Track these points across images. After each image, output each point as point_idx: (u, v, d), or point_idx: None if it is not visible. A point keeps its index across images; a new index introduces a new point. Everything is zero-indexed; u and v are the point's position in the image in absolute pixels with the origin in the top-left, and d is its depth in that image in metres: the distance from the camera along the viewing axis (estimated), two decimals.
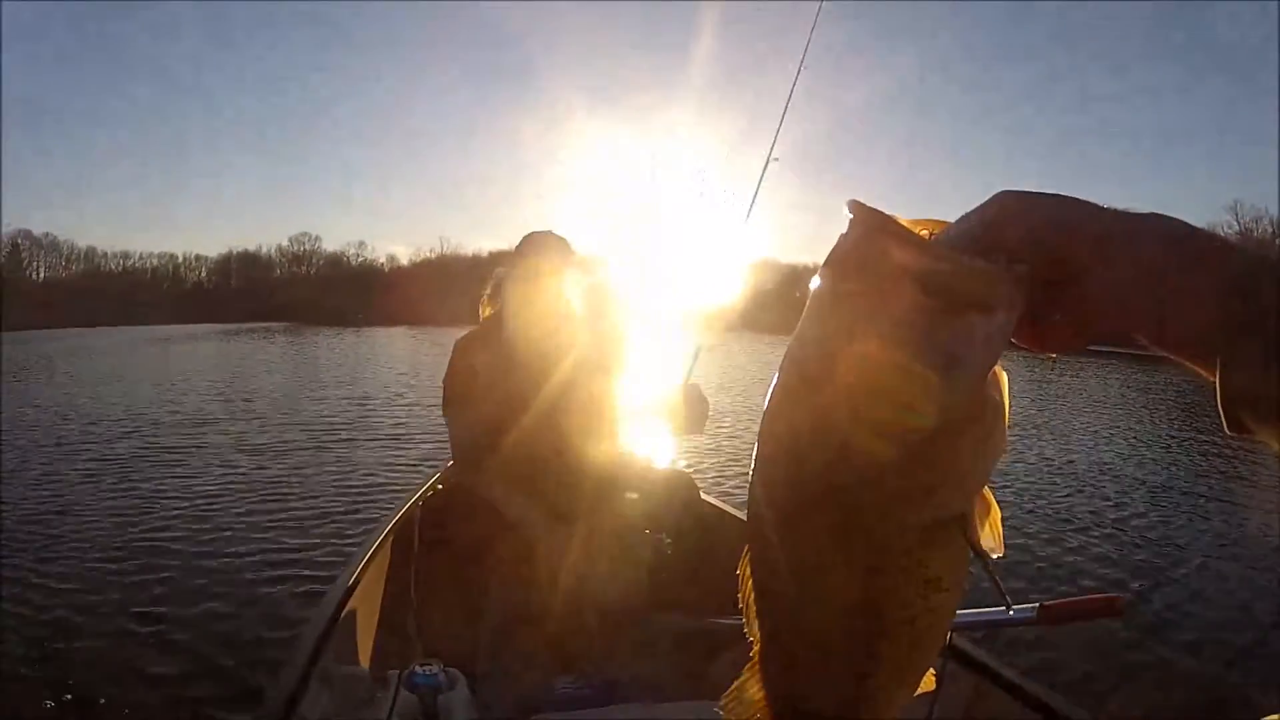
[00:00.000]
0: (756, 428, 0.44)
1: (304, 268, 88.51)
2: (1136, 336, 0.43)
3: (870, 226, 0.40)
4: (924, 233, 0.43)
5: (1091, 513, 6.43)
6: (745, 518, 0.49)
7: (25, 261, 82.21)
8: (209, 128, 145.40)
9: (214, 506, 6.56)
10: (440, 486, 2.88)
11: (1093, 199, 0.43)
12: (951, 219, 0.44)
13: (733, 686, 0.50)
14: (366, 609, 2.29)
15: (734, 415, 10.79)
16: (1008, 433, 0.44)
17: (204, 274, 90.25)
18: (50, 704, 3.44)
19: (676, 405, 2.37)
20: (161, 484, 7.38)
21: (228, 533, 5.80)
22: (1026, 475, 7.65)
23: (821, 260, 0.43)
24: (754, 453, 0.44)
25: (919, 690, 0.49)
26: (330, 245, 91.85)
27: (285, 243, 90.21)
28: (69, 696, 3.48)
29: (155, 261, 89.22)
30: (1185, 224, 0.42)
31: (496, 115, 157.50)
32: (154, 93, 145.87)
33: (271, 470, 7.96)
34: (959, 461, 0.41)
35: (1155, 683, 3.68)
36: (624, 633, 2.18)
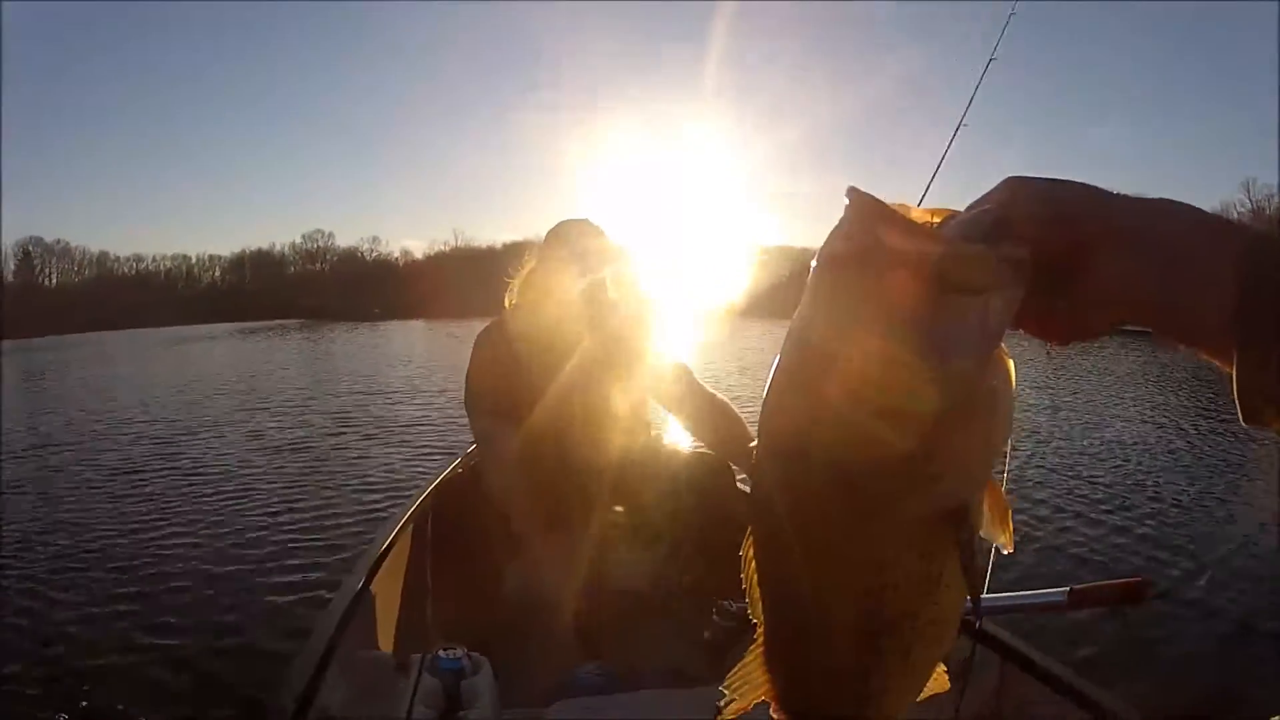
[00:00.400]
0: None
1: (318, 264, 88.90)
2: (1146, 326, 0.42)
3: (866, 213, 0.40)
4: (935, 220, 0.42)
5: (1116, 495, 6.34)
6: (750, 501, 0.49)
7: (37, 268, 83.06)
8: (218, 127, 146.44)
9: (236, 498, 6.63)
10: (460, 471, 2.87)
11: (1101, 180, 0.42)
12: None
13: (737, 667, 0.50)
14: (388, 594, 2.28)
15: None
16: (1013, 421, 0.43)
17: (218, 274, 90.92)
18: (71, 684, 3.52)
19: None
20: (180, 481, 7.45)
21: (250, 522, 5.88)
22: (1048, 457, 7.56)
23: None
24: (756, 438, 0.45)
25: (931, 690, 0.50)
26: (344, 241, 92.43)
27: (299, 240, 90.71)
28: (89, 678, 3.57)
29: (168, 263, 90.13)
30: (1195, 209, 0.42)
31: (510, 106, 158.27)
32: (162, 94, 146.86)
33: (292, 463, 8.02)
34: (960, 449, 0.41)
35: (1179, 667, 3.65)
36: (647, 619, 2.17)
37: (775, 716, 0.50)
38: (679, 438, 2.60)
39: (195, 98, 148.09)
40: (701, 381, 2.30)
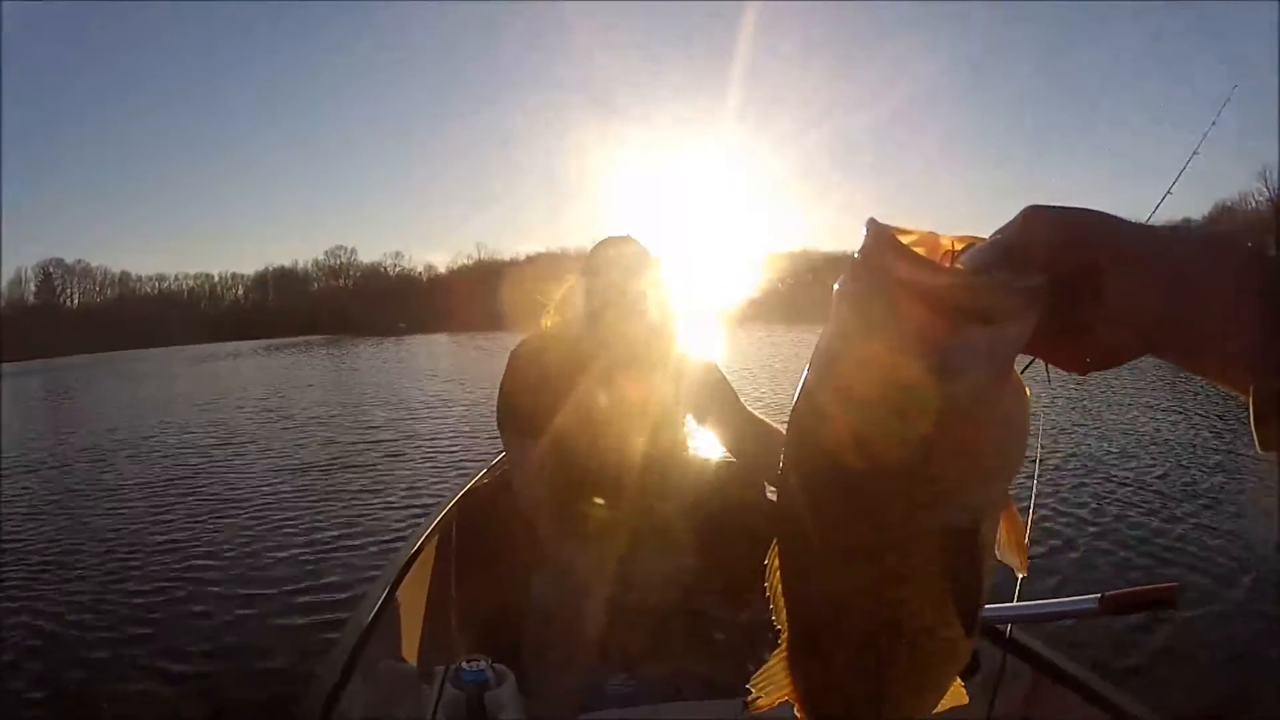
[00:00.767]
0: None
1: (341, 281, 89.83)
2: (1161, 349, 0.44)
3: (881, 245, 0.42)
4: (958, 247, 0.45)
5: (1147, 501, 6.25)
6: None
7: (58, 289, 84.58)
8: (238, 147, 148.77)
9: (263, 512, 6.70)
10: (486, 481, 2.86)
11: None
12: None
13: (763, 669, 0.53)
14: (412, 604, 2.28)
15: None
16: (1026, 445, 0.45)
17: (241, 292, 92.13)
18: (99, 694, 3.62)
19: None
20: (208, 495, 7.55)
21: (277, 535, 5.95)
22: (1079, 464, 7.45)
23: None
24: (783, 452, 0.47)
25: (949, 703, 0.52)
26: (367, 257, 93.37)
27: (321, 257, 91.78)
28: (116, 689, 3.66)
29: (191, 282, 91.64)
30: (1213, 233, 0.44)
31: (530, 116, 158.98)
32: (181, 115, 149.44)
33: (319, 478, 8.08)
34: (971, 471, 0.43)
35: (1212, 673, 3.57)
36: (676, 629, 2.15)
37: (799, 716, 0.53)
38: (707, 445, 2.58)
39: (214, 118, 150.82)
40: (731, 385, 2.28)
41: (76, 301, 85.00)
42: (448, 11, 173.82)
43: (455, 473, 7.50)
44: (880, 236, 0.42)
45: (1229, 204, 63.33)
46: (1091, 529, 5.56)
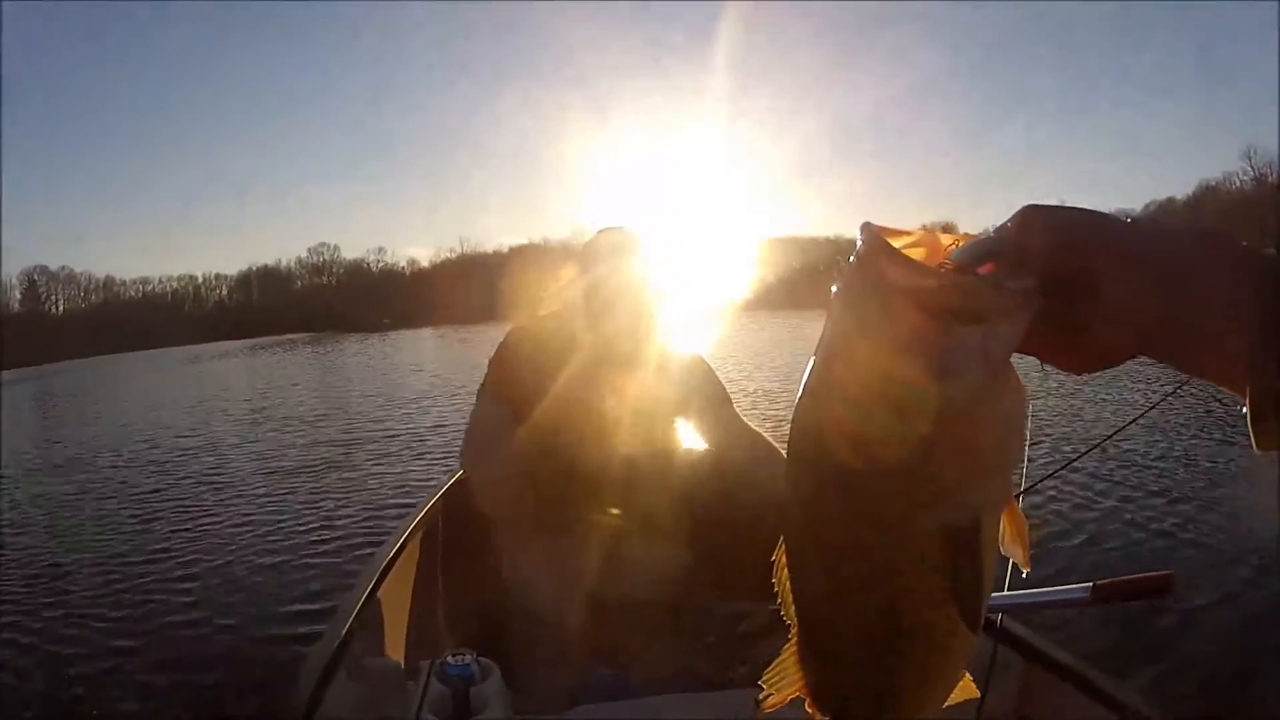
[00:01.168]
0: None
1: (325, 277, 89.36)
2: (1156, 349, 0.44)
3: (874, 250, 0.43)
4: (954, 247, 0.45)
5: (1139, 490, 6.29)
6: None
7: (43, 296, 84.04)
8: (216, 146, 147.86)
9: (249, 509, 6.74)
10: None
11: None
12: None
13: (774, 664, 0.54)
14: (396, 600, 2.26)
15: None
16: (1024, 443, 0.48)
17: (225, 292, 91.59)
18: (83, 691, 3.66)
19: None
20: (194, 493, 7.58)
21: (263, 532, 5.97)
22: (1069, 453, 7.49)
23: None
24: (786, 447, 0.48)
25: (959, 696, 0.53)
26: (350, 253, 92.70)
27: (304, 254, 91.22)
28: (101, 686, 3.70)
29: (175, 284, 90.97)
30: (1209, 230, 0.43)
31: (513, 109, 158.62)
32: (158, 115, 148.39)
33: (304, 475, 8.08)
34: (968, 469, 0.43)
35: (1204, 662, 3.59)
36: (665, 623, 2.14)
37: (809, 711, 0.54)
38: (689, 438, 2.56)
39: (191, 118, 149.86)
40: (719, 381, 2.26)
41: (62, 308, 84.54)
42: (423, 4, 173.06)
43: (441, 469, 7.47)
44: (874, 242, 0.43)
45: (1213, 183, 63.82)
46: (1083, 518, 5.59)
